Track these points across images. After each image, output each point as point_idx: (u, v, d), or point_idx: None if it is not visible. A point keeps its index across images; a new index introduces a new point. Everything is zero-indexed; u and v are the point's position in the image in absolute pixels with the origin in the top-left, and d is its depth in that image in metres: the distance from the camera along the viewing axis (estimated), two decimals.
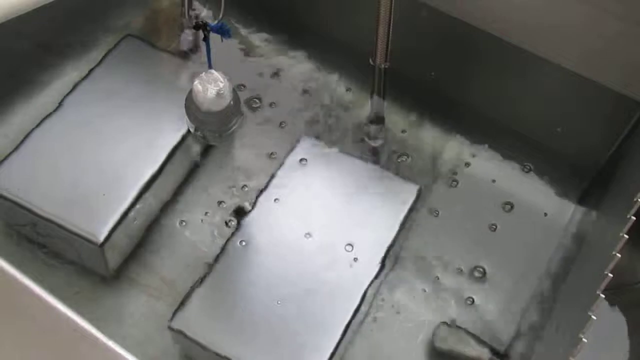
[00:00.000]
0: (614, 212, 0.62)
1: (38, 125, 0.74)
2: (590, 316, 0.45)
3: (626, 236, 0.49)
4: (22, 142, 0.73)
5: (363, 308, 0.67)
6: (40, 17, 0.60)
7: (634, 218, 0.50)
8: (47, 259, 0.73)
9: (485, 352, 0.67)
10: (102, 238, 0.68)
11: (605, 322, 0.66)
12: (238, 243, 0.69)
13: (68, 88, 0.77)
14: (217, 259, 0.68)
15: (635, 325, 0.66)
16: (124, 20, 0.89)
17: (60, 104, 0.76)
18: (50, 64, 0.84)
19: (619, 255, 0.48)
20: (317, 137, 0.79)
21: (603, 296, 0.45)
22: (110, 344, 0.35)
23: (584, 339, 0.44)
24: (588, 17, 0.67)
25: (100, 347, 0.35)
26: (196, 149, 0.78)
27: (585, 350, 0.46)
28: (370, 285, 0.67)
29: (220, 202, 0.77)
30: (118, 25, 0.88)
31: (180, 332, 0.64)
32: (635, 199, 0.51)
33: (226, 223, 0.76)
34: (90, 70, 0.78)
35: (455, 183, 0.79)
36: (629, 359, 0.63)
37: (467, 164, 0.80)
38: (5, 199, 0.69)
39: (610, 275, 0.47)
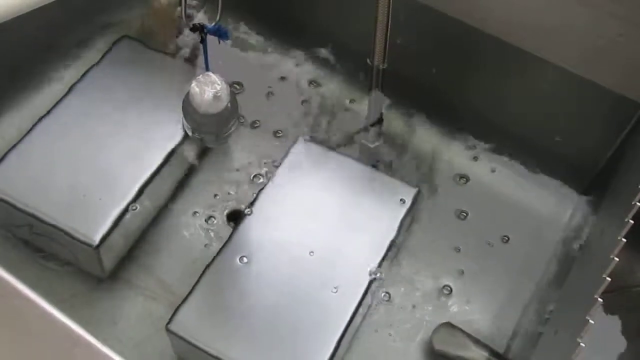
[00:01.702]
0: (612, 215, 0.62)
1: (34, 126, 0.74)
2: (588, 320, 0.45)
3: (624, 240, 0.49)
4: (18, 143, 0.72)
5: (361, 310, 0.67)
6: (37, 17, 0.59)
7: (632, 222, 0.50)
8: (44, 261, 0.73)
9: (483, 354, 0.67)
10: (97, 240, 0.68)
11: (602, 325, 0.66)
12: (235, 246, 0.68)
13: (64, 90, 0.77)
14: (214, 261, 0.68)
15: (633, 328, 0.66)
16: (121, 21, 0.88)
17: (56, 105, 0.75)
18: (47, 65, 0.84)
19: (617, 259, 0.48)
20: (315, 139, 0.78)
21: (601, 300, 0.45)
22: (105, 349, 0.35)
23: (582, 344, 0.44)
24: (588, 18, 0.67)
25: (95, 352, 0.35)
26: (193, 151, 0.78)
27: (582, 353, 0.46)
28: (367, 288, 0.66)
29: (217, 205, 0.77)
30: (115, 27, 0.88)
31: (177, 335, 0.64)
32: (633, 202, 0.51)
33: (223, 225, 0.75)
34: (87, 72, 0.78)
35: (454, 184, 0.79)
36: None
37: (466, 166, 0.80)
38: (2, 200, 0.69)
39: (609, 279, 0.47)
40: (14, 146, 0.72)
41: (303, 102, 0.85)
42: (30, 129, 0.73)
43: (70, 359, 0.34)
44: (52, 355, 0.34)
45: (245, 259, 0.68)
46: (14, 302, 0.36)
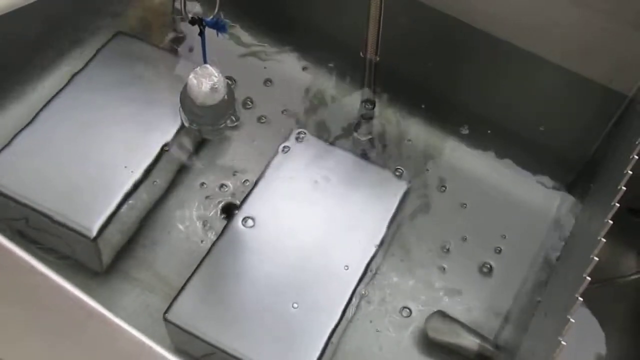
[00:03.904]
0: (599, 202, 0.63)
1: (31, 120, 0.74)
2: (577, 298, 0.46)
3: (611, 222, 0.50)
4: (14, 136, 0.72)
5: (354, 301, 0.67)
6: (32, 12, 0.60)
7: (617, 205, 0.51)
8: (40, 253, 0.73)
9: (476, 342, 0.68)
10: (95, 232, 0.68)
11: (586, 316, 0.68)
12: (231, 236, 0.69)
13: (60, 84, 0.77)
14: (210, 252, 0.68)
15: (617, 319, 0.67)
16: (116, 16, 0.89)
17: (52, 99, 0.75)
18: (42, 61, 0.84)
19: (604, 240, 0.49)
20: (308, 132, 0.79)
21: (589, 279, 0.47)
22: (117, 320, 0.36)
23: (571, 319, 0.45)
24: (576, 13, 0.69)
25: (107, 323, 0.36)
26: (190, 143, 0.79)
27: (569, 333, 0.47)
28: (360, 279, 0.67)
29: (213, 196, 0.78)
30: (110, 22, 0.88)
31: (174, 324, 0.64)
32: (619, 187, 0.52)
33: (218, 218, 0.76)
34: (83, 67, 0.78)
35: (444, 177, 0.80)
36: (607, 352, 0.65)
37: (457, 159, 0.81)
38: None
39: (596, 259, 0.48)
40: (10, 140, 0.72)
41: (297, 95, 0.85)
42: (27, 124, 0.73)
43: (83, 330, 0.35)
44: (66, 326, 0.35)
45: (240, 250, 0.68)
46: (29, 278, 0.37)
